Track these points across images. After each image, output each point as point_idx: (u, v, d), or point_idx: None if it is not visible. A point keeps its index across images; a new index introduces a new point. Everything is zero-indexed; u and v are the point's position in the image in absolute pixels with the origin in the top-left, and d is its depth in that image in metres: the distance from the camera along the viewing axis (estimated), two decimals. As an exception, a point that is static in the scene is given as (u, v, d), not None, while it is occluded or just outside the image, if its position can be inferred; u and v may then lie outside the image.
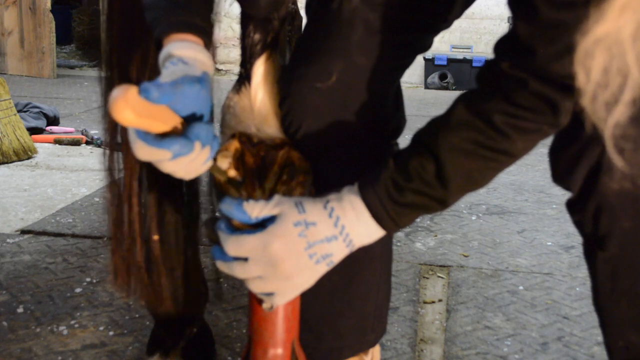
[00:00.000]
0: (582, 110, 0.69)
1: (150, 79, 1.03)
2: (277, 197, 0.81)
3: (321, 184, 0.94)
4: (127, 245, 1.08)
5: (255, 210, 0.80)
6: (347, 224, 0.79)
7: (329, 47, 0.93)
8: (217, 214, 0.87)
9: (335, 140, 0.95)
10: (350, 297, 1.05)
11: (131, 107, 0.71)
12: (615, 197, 0.83)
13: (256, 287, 0.81)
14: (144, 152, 0.75)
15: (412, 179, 0.79)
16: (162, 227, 1.08)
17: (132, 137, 0.75)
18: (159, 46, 0.86)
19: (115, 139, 1.06)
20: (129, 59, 1.03)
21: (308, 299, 0.96)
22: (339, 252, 0.80)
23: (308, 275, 0.81)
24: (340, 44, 0.93)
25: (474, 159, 0.78)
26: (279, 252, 0.78)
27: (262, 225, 0.81)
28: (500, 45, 0.78)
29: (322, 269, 0.81)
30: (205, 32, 0.87)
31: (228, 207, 0.81)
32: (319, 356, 1.06)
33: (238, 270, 0.81)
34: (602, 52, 0.63)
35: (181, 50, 0.83)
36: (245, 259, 0.80)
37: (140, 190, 1.07)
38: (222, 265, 0.82)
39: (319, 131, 0.94)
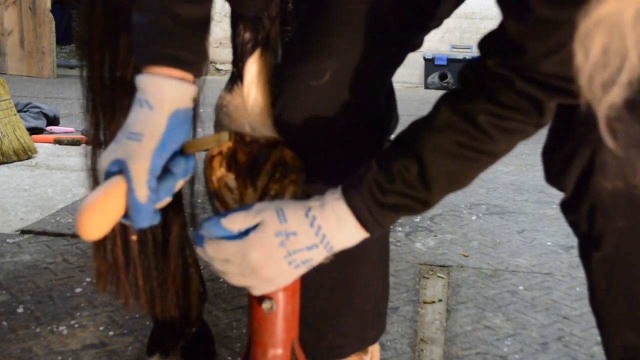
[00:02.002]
0: (578, 89, 0.69)
1: (132, 79, 1.04)
2: (257, 205, 0.81)
3: (315, 182, 0.94)
4: (108, 245, 1.08)
5: (236, 224, 0.80)
6: (329, 232, 0.79)
7: (322, 45, 0.93)
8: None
9: (329, 138, 0.95)
10: (349, 295, 1.05)
11: (96, 216, 0.76)
12: (608, 197, 0.83)
13: (235, 281, 0.82)
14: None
15: (395, 181, 0.78)
16: None
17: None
18: (139, 66, 0.84)
19: (98, 137, 1.06)
20: (112, 58, 1.03)
21: (307, 297, 0.96)
22: (318, 257, 0.81)
23: (287, 277, 0.82)
24: (333, 42, 0.93)
25: (458, 160, 0.78)
26: (258, 261, 0.79)
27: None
28: (486, 43, 0.78)
29: (301, 271, 0.82)
30: (190, 63, 0.83)
31: (207, 230, 0.81)
32: (320, 355, 1.06)
33: (218, 265, 0.81)
34: (602, 33, 0.63)
35: (150, 90, 0.80)
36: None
37: None
38: (201, 252, 0.83)
39: (313, 129, 0.94)
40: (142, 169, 0.77)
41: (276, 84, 0.95)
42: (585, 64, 0.66)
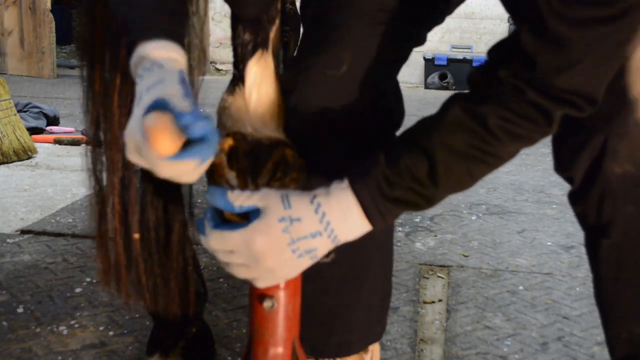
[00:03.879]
0: (588, 104, 0.71)
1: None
2: (263, 190, 0.81)
3: (327, 173, 0.94)
4: (110, 243, 1.08)
5: (240, 199, 0.80)
6: (333, 220, 0.79)
7: (337, 37, 0.94)
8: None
9: (343, 129, 0.96)
10: (359, 290, 1.05)
11: (170, 137, 0.69)
12: (618, 182, 0.84)
13: (239, 273, 0.82)
14: (170, 169, 0.73)
15: (404, 176, 0.79)
16: (142, 225, 1.08)
17: (154, 159, 0.72)
18: (131, 47, 0.84)
19: (98, 136, 1.06)
20: (113, 56, 1.03)
21: (318, 292, 0.96)
22: (323, 247, 0.81)
23: (291, 268, 0.81)
24: (347, 33, 0.93)
25: (465, 159, 0.79)
26: (261, 248, 0.78)
27: (246, 216, 0.81)
28: (498, 51, 0.79)
29: (306, 262, 0.82)
30: (181, 36, 0.85)
31: (212, 195, 0.81)
32: (328, 351, 1.06)
33: (222, 256, 0.81)
34: None
35: (155, 52, 0.80)
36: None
37: (122, 188, 1.07)
38: (203, 240, 0.83)
39: (330, 119, 0.94)
40: (174, 89, 0.75)
41: (290, 78, 0.95)
42: None
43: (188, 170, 0.74)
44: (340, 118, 0.95)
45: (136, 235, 1.07)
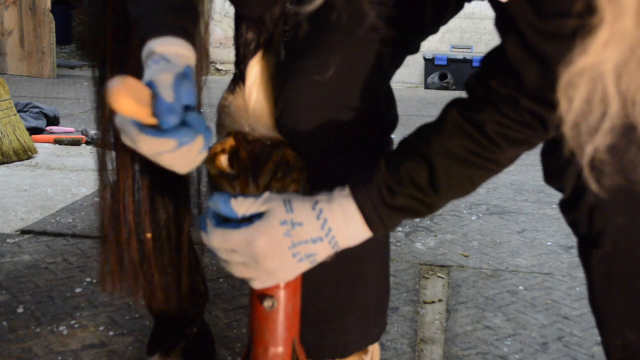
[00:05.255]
0: (562, 136, 0.72)
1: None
2: (266, 194, 0.81)
3: (318, 177, 0.94)
4: (123, 243, 1.08)
5: (243, 207, 0.80)
6: (335, 226, 0.80)
7: (325, 42, 0.94)
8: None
9: (331, 134, 0.96)
10: (353, 293, 1.05)
11: (130, 95, 0.71)
12: (608, 194, 0.84)
13: (237, 272, 0.82)
14: (148, 144, 0.75)
15: (405, 183, 0.79)
16: (154, 225, 1.08)
17: (134, 132, 0.75)
18: (142, 44, 0.86)
19: (109, 137, 1.06)
20: (124, 57, 1.03)
21: (311, 296, 0.96)
22: (323, 252, 0.81)
23: (290, 271, 0.82)
24: (336, 39, 0.93)
25: (465, 166, 0.79)
26: (262, 249, 0.79)
27: (248, 218, 0.81)
28: (490, 61, 0.80)
29: (305, 266, 0.82)
30: (191, 34, 0.87)
31: (215, 203, 0.81)
32: (323, 353, 1.06)
33: (222, 255, 0.82)
34: (585, 82, 0.66)
35: (162, 47, 0.82)
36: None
37: (134, 188, 1.07)
38: (205, 237, 0.83)
39: (316, 124, 0.94)
40: (166, 78, 0.77)
41: (279, 81, 0.95)
42: (569, 113, 0.69)
43: (166, 150, 0.75)
44: (327, 123, 0.95)
45: (148, 235, 1.07)
